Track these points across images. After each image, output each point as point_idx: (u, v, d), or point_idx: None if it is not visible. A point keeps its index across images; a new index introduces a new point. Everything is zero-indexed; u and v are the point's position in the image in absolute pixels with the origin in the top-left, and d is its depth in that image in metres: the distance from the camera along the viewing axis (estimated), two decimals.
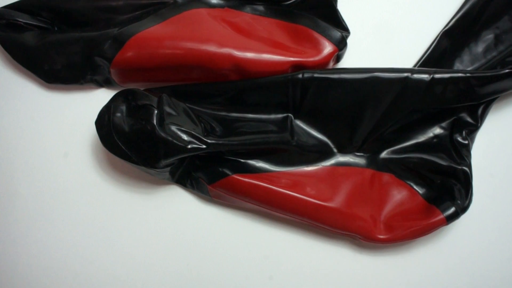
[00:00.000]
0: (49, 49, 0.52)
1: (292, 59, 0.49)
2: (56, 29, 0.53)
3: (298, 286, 0.51)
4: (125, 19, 0.52)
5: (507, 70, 0.49)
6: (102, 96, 0.53)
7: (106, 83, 0.53)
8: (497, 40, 0.56)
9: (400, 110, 0.50)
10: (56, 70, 0.52)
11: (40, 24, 0.53)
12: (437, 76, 0.48)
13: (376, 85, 0.48)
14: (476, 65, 0.55)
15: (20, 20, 0.52)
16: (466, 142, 0.51)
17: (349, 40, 0.52)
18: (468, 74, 0.49)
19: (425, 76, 0.48)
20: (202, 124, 0.49)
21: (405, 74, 0.49)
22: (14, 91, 0.53)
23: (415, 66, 0.54)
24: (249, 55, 0.49)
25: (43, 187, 0.53)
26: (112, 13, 0.52)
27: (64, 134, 0.53)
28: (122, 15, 0.52)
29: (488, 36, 0.56)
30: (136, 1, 0.52)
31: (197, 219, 0.52)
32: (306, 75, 0.49)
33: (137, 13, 0.52)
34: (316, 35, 0.51)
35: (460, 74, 0.49)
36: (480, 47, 0.55)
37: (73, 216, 0.52)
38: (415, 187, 0.51)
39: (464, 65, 0.55)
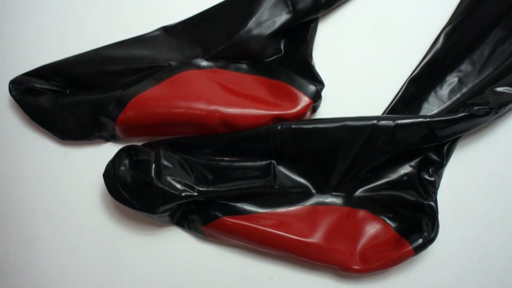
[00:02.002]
0: (62, 110, 0.59)
1: (272, 112, 0.56)
2: (68, 92, 0.61)
3: None
4: (127, 82, 0.59)
5: (462, 114, 0.55)
6: (109, 150, 0.60)
7: (112, 138, 0.60)
8: (461, 83, 0.62)
9: (370, 154, 0.56)
10: (68, 128, 0.59)
11: (54, 88, 0.60)
12: (400, 122, 0.55)
13: (346, 133, 0.55)
14: (442, 107, 0.61)
15: (37, 85, 0.60)
16: (433, 179, 0.57)
17: (324, 91, 0.59)
18: (428, 119, 0.55)
19: (389, 123, 0.55)
20: (194, 173, 0.56)
21: (372, 122, 0.55)
22: (33, 147, 0.61)
23: (384, 112, 0.60)
24: (234, 110, 0.56)
25: (60, 229, 0.60)
26: (115, 77, 0.60)
27: (77, 184, 0.60)
28: (124, 78, 0.59)
29: (452, 80, 0.62)
30: (136, 65, 0.59)
31: (195, 256, 0.58)
32: (284, 126, 0.55)
33: (137, 75, 0.59)
34: (293, 89, 0.57)
35: (420, 119, 0.55)
36: (445, 90, 0.62)
37: (86, 253, 0.59)
38: (388, 221, 0.57)
39: (431, 108, 0.61)
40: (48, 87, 0.60)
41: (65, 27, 0.63)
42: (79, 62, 0.60)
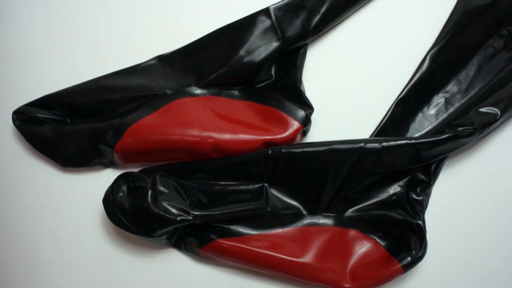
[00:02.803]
0: (63, 139, 0.62)
1: (263, 137, 0.58)
2: (68, 120, 0.63)
3: None
4: (124, 110, 0.62)
5: (446, 135, 0.57)
6: (108, 176, 0.62)
7: (111, 164, 0.63)
8: (447, 103, 0.64)
9: (358, 175, 0.58)
10: (69, 156, 0.62)
11: (55, 117, 0.63)
12: (386, 144, 0.57)
13: (334, 156, 0.57)
14: (429, 128, 0.63)
15: (39, 115, 0.63)
16: (420, 198, 0.59)
17: (314, 115, 0.61)
18: (413, 141, 0.57)
19: (376, 145, 0.57)
20: (189, 198, 0.58)
21: (359, 145, 0.57)
22: (35, 174, 0.63)
23: (373, 133, 0.62)
24: (227, 136, 0.58)
25: (63, 252, 0.62)
26: (113, 105, 0.62)
27: (78, 209, 0.62)
28: (122, 107, 0.62)
29: (439, 100, 0.64)
30: (132, 94, 0.62)
31: (193, 277, 0.61)
32: (274, 151, 0.57)
33: (133, 104, 0.62)
34: (283, 114, 0.60)
35: (406, 141, 0.57)
36: (432, 111, 0.63)
37: (88, 275, 0.61)
38: (378, 240, 0.59)
39: (419, 128, 0.63)
40: (50, 117, 0.63)
41: (65, 58, 0.66)
42: (78, 92, 0.63)
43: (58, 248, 0.62)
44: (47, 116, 0.63)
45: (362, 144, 0.57)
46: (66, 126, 0.62)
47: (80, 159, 0.62)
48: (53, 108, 0.63)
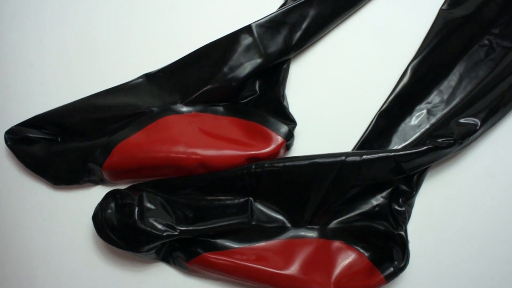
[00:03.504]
0: (53, 158, 0.63)
1: (247, 153, 0.60)
2: (59, 139, 0.65)
3: None
4: (112, 128, 0.63)
5: (426, 147, 0.58)
6: (98, 193, 0.64)
7: (101, 182, 0.64)
8: (429, 114, 0.65)
9: (341, 188, 0.59)
10: (60, 174, 0.64)
11: (46, 137, 0.65)
12: (366, 157, 0.58)
13: (316, 170, 0.58)
14: (411, 139, 0.64)
15: (30, 134, 0.64)
16: (403, 209, 0.60)
17: (298, 129, 0.62)
18: (393, 153, 0.58)
19: (356, 158, 0.58)
20: (175, 214, 0.59)
21: (340, 158, 0.58)
22: (27, 192, 0.65)
23: (355, 146, 0.63)
24: (211, 152, 0.60)
25: (55, 268, 0.63)
26: (102, 124, 0.64)
27: (70, 226, 0.64)
28: (110, 125, 0.63)
29: (421, 111, 0.65)
30: (120, 113, 0.63)
31: None
32: (257, 166, 0.59)
33: (121, 122, 0.63)
34: (267, 130, 0.61)
35: (386, 154, 0.58)
36: (414, 122, 0.65)
37: None
38: (362, 250, 0.60)
39: (401, 140, 0.64)
40: (41, 136, 0.65)
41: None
42: (68, 111, 0.64)
43: (51, 265, 0.64)
44: (38, 136, 0.65)
45: (343, 158, 0.58)
46: (57, 145, 0.64)
47: (70, 177, 0.64)
48: (44, 127, 0.65)
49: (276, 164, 0.59)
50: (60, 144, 0.64)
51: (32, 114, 0.65)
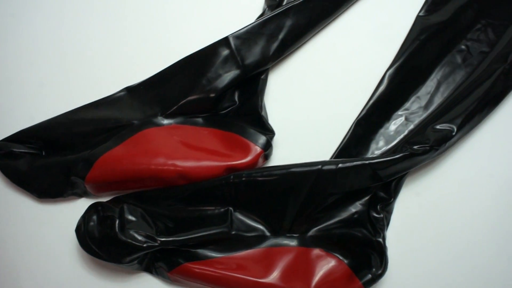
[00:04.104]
0: (38, 172, 0.65)
1: (225, 163, 0.61)
2: (43, 153, 0.66)
3: None
4: (95, 142, 0.64)
5: (401, 154, 0.59)
6: (82, 205, 0.64)
7: (84, 194, 0.65)
8: (407, 120, 0.66)
9: (318, 196, 0.60)
10: (44, 188, 0.65)
11: (31, 151, 0.66)
12: (341, 166, 0.58)
13: (293, 179, 0.59)
14: (389, 146, 0.64)
15: (15, 149, 0.66)
16: (381, 216, 0.61)
17: (277, 138, 0.63)
18: (368, 161, 0.59)
19: (332, 167, 0.59)
20: (156, 225, 0.60)
21: (317, 167, 0.59)
22: (13, 206, 0.66)
23: (334, 154, 0.64)
24: (191, 163, 0.61)
25: (41, 280, 0.64)
26: (84, 137, 0.65)
27: (55, 239, 0.65)
28: (93, 138, 0.65)
29: (399, 118, 0.66)
30: (102, 126, 0.65)
31: None
32: (235, 177, 0.60)
33: (103, 136, 0.64)
34: (245, 140, 0.62)
35: (362, 162, 0.59)
36: (392, 128, 0.65)
37: None
38: (341, 257, 0.60)
39: (379, 147, 0.64)
40: (26, 151, 0.66)
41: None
42: (51, 125, 0.66)
43: (37, 277, 0.64)
44: (22, 150, 0.66)
45: (320, 166, 0.59)
46: (41, 159, 0.65)
47: (54, 191, 0.65)
48: (28, 142, 0.66)
49: (254, 174, 0.60)
50: (44, 158, 0.65)
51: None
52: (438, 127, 0.62)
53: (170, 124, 0.64)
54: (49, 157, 0.65)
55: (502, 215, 0.63)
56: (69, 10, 0.73)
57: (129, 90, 0.66)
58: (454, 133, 0.61)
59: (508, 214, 0.63)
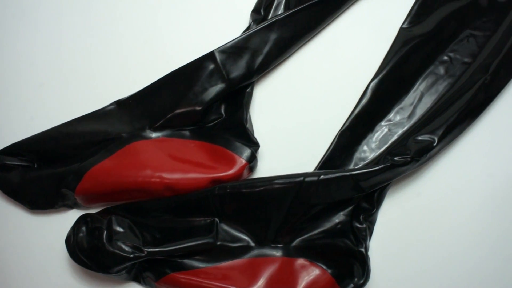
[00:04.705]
0: (30, 184, 0.66)
1: (211, 175, 0.62)
2: (35, 166, 0.68)
3: None
4: (84, 155, 0.66)
5: (382, 166, 0.60)
6: (73, 216, 0.66)
7: (75, 205, 0.67)
8: (390, 131, 0.67)
9: (301, 207, 0.61)
10: (36, 199, 0.66)
11: (23, 164, 0.67)
12: (323, 177, 0.60)
13: (276, 191, 0.60)
14: (373, 156, 0.66)
15: (7, 162, 0.67)
16: (363, 226, 0.62)
17: (263, 149, 0.65)
18: (350, 173, 0.60)
19: (314, 178, 0.60)
20: (143, 236, 0.62)
21: (300, 179, 0.60)
22: (5, 217, 0.68)
23: (317, 165, 0.65)
24: (177, 176, 0.62)
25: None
26: (75, 150, 0.66)
27: (46, 249, 0.66)
28: (82, 151, 0.66)
29: (382, 129, 0.67)
30: (92, 139, 0.66)
31: None
32: (220, 188, 0.61)
33: (93, 149, 0.66)
34: (230, 153, 0.63)
35: (343, 173, 0.60)
36: (375, 140, 0.66)
37: None
38: (324, 267, 0.62)
39: (362, 158, 0.66)
40: (18, 163, 0.67)
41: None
42: (43, 139, 0.67)
43: (28, 286, 0.66)
44: (15, 163, 0.67)
45: (302, 178, 0.60)
46: (33, 171, 0.67)
47: (46, 202, 0.67)
48: (21, 155, 0.68)
49: (238, 186, 0.61)
50: (36, 171, 0.67)
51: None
52: (419, 138, 0.63)
53: (158, 137, 0.66)
54: (40, 169, 0.67)
55: (485, 225, 0.64)
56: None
57: (119, 103, 0.68)
58: (435, 144, 0.62)
59: (490, 223, 0.64)
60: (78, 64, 0.73)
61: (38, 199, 0.67)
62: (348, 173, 0.60)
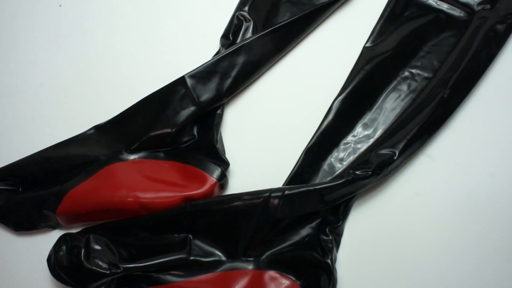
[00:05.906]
0: (14, 206, 0.70)
1: (183, 194, 0.65)
2: (20, 189, 0.72)
3: None
4: (65, 178, 0.69)
5: (344, 179, 0.63)
6: (55, 236, 0.68)
7: (57, 226, 0.70)
8: (355, 147, 0.70)
9: (267, 222, 0.63)
10: (20, 221, 0.70)
11: (8, 188, 0.71)
12: (288, 192, 0.63)
13: (243, 207, 0.63)
14: (339, 171, 0.69)
15: None
16: (330, 238, 0.65)
17: (234, 167, 0.68)
18: (314, 187, 0.63)
19: (279, 194, 0.63)
20: (119, 253, 0.65)
21: (265, 194, 0.63)
22: None
23: (285, 181, 0.68)
24: (151, 195, 0.66)
25: None
26: (56, 174, 0.70)
27: (30, 268, 0.69)
28: (63, 174, 0.70)
29: (348, 145, 0.70)
30: (72, 163, 0.70)
31: None
32: (191, 206, 0.64)
33: (73, 172, 0.70)
34: (201, 172, 0.67)
35: (307, 188, 0.63)
36: (341, 155, 0.69)
37: None
38: (294, 278, 0.64)
39: (329, 173, 0.69)
40: (3, 187, 0.71)
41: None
42: (26, 163, 0.71)
43: None
44: (1, 187, 0.71)
45: (268, 194, 0.63)
46: (17, 195, 0.71)
47: (29, 223, 0.70)
48: (6, 179, 0.71)
49: (208, 203, 0.64)
50: (20, 194, 0.71)
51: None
52: (381, 152, 0.65)
53: (134, 159, 0.69)
54: (24, 192, 0.71)
55: (451, 235, 0.66)
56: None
57: (97, 128, 0.72)
58: (395, 158, 0.65)
59: (454, 233, 0.66)
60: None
61: (22, 221, 0.70)
62: (312, 188, 0.63)
